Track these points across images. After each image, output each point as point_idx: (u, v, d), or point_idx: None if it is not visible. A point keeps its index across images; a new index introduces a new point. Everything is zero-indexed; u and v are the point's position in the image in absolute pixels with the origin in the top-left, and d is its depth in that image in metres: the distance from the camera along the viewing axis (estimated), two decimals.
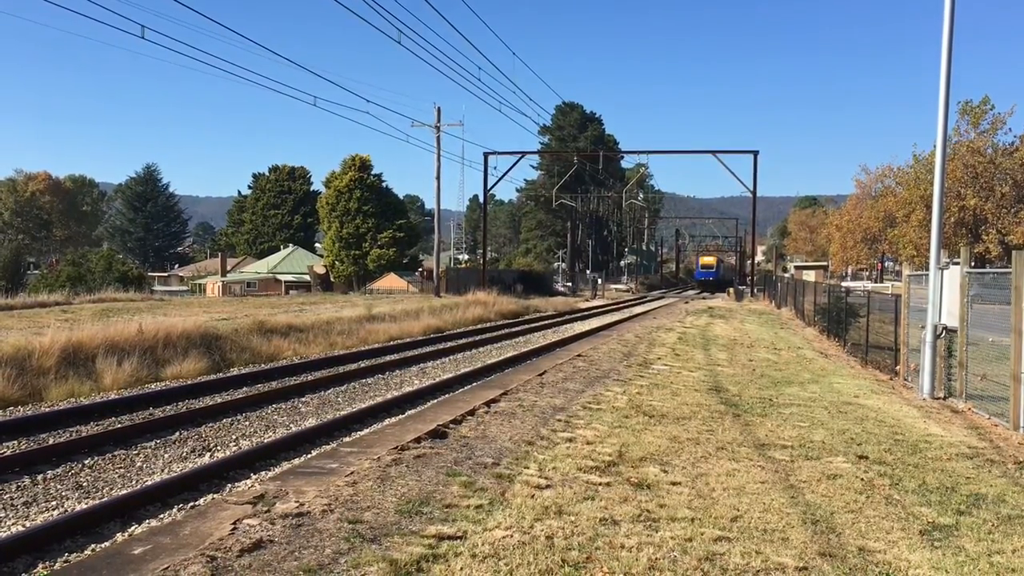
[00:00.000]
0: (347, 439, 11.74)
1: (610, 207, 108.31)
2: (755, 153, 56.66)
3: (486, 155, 61.19)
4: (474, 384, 16.56)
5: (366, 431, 12.16)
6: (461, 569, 5.54)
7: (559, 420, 10.84)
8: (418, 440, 9.43)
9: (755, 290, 65.07)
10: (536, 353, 23.46)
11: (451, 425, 10.38)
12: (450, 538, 6.09)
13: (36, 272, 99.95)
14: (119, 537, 7.90)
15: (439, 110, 52.59)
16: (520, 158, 63.33)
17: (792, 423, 11.32)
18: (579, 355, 18.80)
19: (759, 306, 49.94)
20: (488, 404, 12.00)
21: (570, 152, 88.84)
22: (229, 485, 9.90)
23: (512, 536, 6.18)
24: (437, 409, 11.86)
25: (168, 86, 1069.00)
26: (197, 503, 9.12)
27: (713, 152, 56.52)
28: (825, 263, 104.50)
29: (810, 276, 65.65)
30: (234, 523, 6.29)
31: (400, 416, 13.28)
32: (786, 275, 73.23)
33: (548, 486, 7.60)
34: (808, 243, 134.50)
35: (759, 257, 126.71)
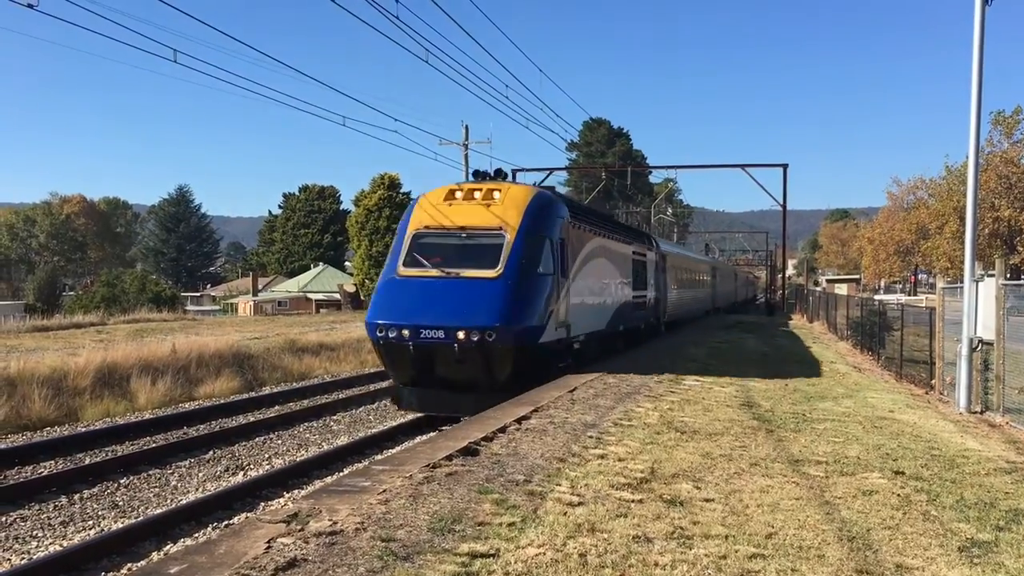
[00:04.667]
0: (379, 457, 11.79)
1: (639, 222, 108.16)
2: (785, 166, 56.26)
3: (514, 171, 61.29)
4: (504, 401, 16.54)
5: (397, 449, 12.21)
6: None
7: (590, 437, 10.80)
8: (449, 458, 9.43)
9: (786, 305, 64.50)
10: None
11: (482, 442, 10.37)
12: (483, 556, 6.08)
13: (71, 293, 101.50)
14: (155, 556, 7.99)
15: (467, 128, 52.77)
16: (548, 174, 63.37)
17: (826, 438, 11.20)
18: (609, 371, 18.72)
19: (791, 320, 49.50)
20: (519, 421, 11.98)
21: (598, 168, 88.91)
22: (262, 503, 9.98)
23: (545, 554, 6.17)
24: (468, 426, 11.86)
25: (199, 108, 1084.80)
26: (231, 521, 9.19)
27: (742, 166, 56.21)
28: (857, 276, 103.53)
29: (842, 289, 65.13)
30: (268, 542, 6.32)
31: (431, 433, 13.31)
32: (817, 289, 72.58)
33: (580, 503, 7.58)
34: (839, 256, 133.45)
35: (790, 271, 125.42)
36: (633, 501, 7.71)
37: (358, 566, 5.86)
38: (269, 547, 6.22)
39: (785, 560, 6.21)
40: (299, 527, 6.71)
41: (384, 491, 7.88)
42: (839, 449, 10.50)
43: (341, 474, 10.89)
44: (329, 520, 6.88)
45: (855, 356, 26.09)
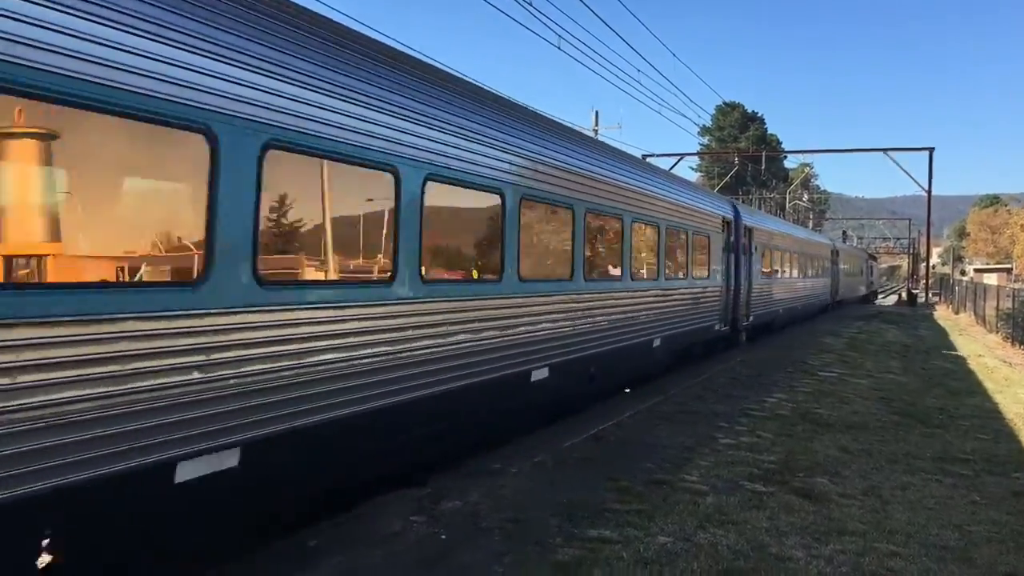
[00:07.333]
0: (508, 442, 11.90)
1: (773, 209, 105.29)
2: (931, 150, 53.59)
3: (644, 157, 60.67)
4: (632, 389, 16.44)
5: (527, 434, 12.30)
6: (623, 573, 5.54)
7: (721, 426, 10.64)
8: (579, 444, 9.48)
9: (930, 294, 61.63)
10: (697, 357, 23.06)
11: (611, 429, 10.38)
12: (612, 542, 6.10)
13: None
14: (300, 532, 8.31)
15: (597, 114, 52.43)
16: (679, 159, 62.30)
17: (973, 435, 10.70)
18: (741, 360, 18.38)
19: (934, 311, 47.31)
20: (647, 409, 11.92)
21: (731, 152, 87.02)
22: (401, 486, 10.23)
23: (674, 543, 6.13)
24: (596, 413, 11.86)
25: None
26: (372, 500, 9.46)
27: (884, 150, 53.85)
28: (1009, 266, 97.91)
29: (992, 279, 61.59)
30: (404, 520, 6.52)
31: (560, 421, 13.35)
32: (964, 278, 69.01)
33: (710, 493, 7.49)
34: (989, 244, 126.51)
35: (935, 259, 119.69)
36: (765, 493, 7.57)
37: (488, 546, 5.98)
38: (405, 525, 6.42)
39: (928, 561, 5.97)
40: (433, 507, 6.90)
41: (515, 475, 7.99)
42: (988, 447, 10.01)
43: (475, 457, 11.06)
44: (461, 501, 7.04)
45: (1005, 350, 24.75)
